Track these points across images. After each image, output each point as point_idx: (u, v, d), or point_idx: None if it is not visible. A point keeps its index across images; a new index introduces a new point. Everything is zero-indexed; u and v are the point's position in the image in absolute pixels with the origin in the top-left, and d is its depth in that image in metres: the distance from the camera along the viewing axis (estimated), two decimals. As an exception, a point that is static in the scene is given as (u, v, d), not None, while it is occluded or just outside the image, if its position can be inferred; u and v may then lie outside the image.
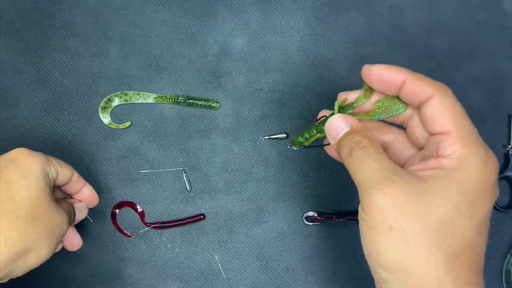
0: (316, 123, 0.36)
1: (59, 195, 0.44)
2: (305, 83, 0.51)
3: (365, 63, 0.51)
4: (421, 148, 0.33)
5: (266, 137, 0.50)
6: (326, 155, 0.51)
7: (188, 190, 0.49)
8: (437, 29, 0.53)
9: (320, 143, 0.38)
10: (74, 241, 0.44)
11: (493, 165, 0.29)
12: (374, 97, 0.33)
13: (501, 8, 0.54)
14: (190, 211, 0.50)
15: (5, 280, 0.35)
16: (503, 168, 0.52)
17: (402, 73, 0.30)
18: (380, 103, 0.33)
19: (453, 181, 0.28)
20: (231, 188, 0.50)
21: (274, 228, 0.50)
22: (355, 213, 0.50)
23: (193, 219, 0.49)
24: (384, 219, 0.27)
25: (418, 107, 0.31)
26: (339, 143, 0.32)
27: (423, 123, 0.31)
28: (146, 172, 0.49)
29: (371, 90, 0.33)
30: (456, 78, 0.53)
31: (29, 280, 0.48)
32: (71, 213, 0.41)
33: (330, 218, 0.50)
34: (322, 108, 0.51)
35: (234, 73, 0.51)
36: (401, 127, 0.35)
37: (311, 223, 0.50)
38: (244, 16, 0.51)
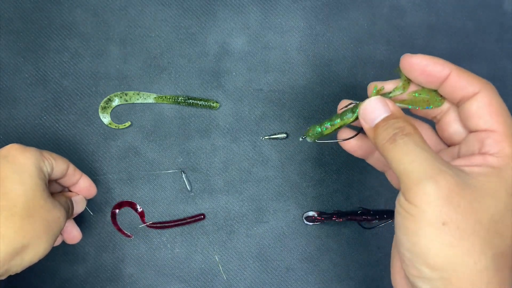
0: (341, 112, 0.33)
1: (55, 188, 0.44)
2: (305, 83, 0.51)
3: (365, 63, 0.52)
4: (450, 145, 0.32)
5: (266, 137, 0.50)
6: (327, 155, 0.51)
7: (188, 190, 0.49)
8: (437, 29, 0.53)
9: (333, 139, 0.35)
10: (73, 234, 0.44)
11: None
12: (411, 88, 0.31)
13: (501, 8, 0.54)
14: (190, 211, 0.50)
15: (3, 277, 0.35)
16: (503, 168, 0.52)
17: (448, 66, 0.29)
18: (416, 94, 0.31)
19: (502, 179, 0.27)
20: (231, 188, 0.50)
21: (274, 228, 0.50)
22: (355, 213, 0.50)
23: (193, 219, 0.49)
24: (438, 213, 0.25)
25: (458, 103, 0.30)
26: (376, 127, 0.29)
27: (464, 119, 0.29)
28: (146, 173, 0.49)
29: (409, 81, 0.31)
30: (456, 78, 0.53)
31: (29, 280, 0.48)
32: (68, 207, 0.41)
33: (330, 218, 0.50)
34: (322, 108, 0.51)
35: (234, 73, 0.51)
36: (427, 121, 0.33)
37: (311, 223, 0.50)
38: (244, 16, 0.51)
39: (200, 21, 0.51)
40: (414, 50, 0.52)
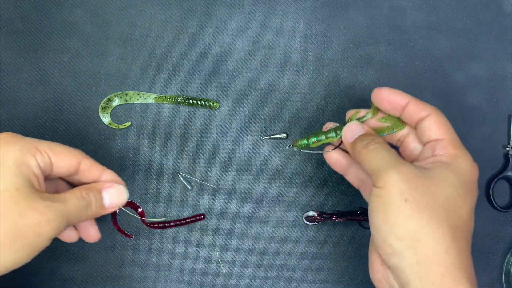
0: (326, 130, 0.42)
1: (62, 187, 0.39)
2: (305, 83, 0.51)
3: (365, 63, 0.52)
4: (412, 161, 0.39)
5: (266, 137, 0.50)
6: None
7: (189, 189, 0.49)
8: (437, 29, 0.53)
9: (318, 151, 0.44)
10: (90, 232, 0.40)
11: (476, 167, 0.36)
12: (379, 116, 0.40)
13: (501, 8, 0.54)
14: (190, 211, 0.50)
15: None
16: (503, 168, 0.52)
17: (406, 96, 0.38)
18: (383, 120, 0.40)
19: (451, 171, 0.34)
20: (231, 188, 0.50)
21: (274, 228, 0.50)
22: (355, 213, 0.50)
23: (193, 219, 0.49)
24: (401, 193, 0.32)
25: (416, 124, 0.38)
26: (354, 141, 0.38)
27: (420, 134, 0.38)
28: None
29: (377, 109, 0.40)
30: (456, 78, 0.53)
31: (29, 280, 0.48)
32: (87, 203, 0.35)
33: (330, 218, 0.50)
34: (322, 108, 0.51)
35: (234, 73, 0.51)
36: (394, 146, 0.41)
37: (311, 223, 0.50)
38: (244, 16, 0.51)
39: (200, 21, 0.51)
40: (414, 50, 0.53)
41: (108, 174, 0.39)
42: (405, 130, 0.40)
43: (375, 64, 0.52)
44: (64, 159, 0.35)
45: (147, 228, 0.49)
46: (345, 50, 0.52)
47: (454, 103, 0.53)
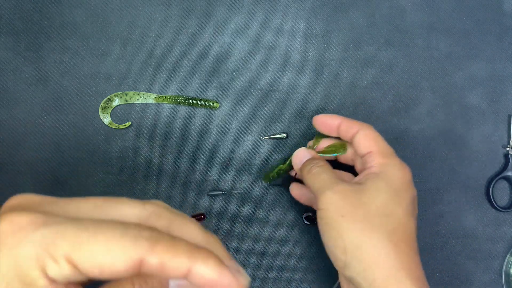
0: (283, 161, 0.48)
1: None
2: (305, 83, 0.51)
3: (365, 63, 0.52)
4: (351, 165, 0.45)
5: (266, 137, 0.50)
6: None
7: (238, 192, 0.50)
8: (437, 29, 0.53)
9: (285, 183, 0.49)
10: None
11: (407, 169, 0.39)
12: (326, 142, 0.45)
13: (501, 8, 0.54)
14: (190, 211, 0.50)
15: None
16: (503, 168, 0.52)
17: (338, 118, 0.43)
18: (331, 146, 0.45)
19: (381, 179, 0.38)
20: (231, 188, 0.50)
21: (274, 228, 0.50)
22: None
23: (194, 218, 0.49)
24: (337, 210, 0.36)
25: (351, 141, 0.42)
26: (302, 166, 0.42)
27: (355, 149, 0.42)
28: (214, 193, 0.49)
29: (321, 135, 0.45)
30: (456, 78, 0.53)
31: (29, 280, 0.48)
32: None
33: (330, 218, 0.50)
34: (322, 108, 0.51)
35: (234, 73, 0.51)
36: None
37: (311, 223, 0.50)
38: (244, 16, 0.51)
39: (200, 21, 0.51)
40: (414, 50, 0.53)
41: (198, 269, 0.21)
42: (350, 152, 0.44)
43: (375, 64, 0.52)
44: (102, 263, 0.20)
45: (147, 228, 0.49)
46: (345, 50, 0.52)
47: (454, 103, 0.53)
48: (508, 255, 0.52)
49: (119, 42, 0.49)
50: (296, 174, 0.47)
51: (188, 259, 0.21)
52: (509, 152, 0.53)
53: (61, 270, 0.20)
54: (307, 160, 0.43)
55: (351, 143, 0.43)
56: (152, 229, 0.21)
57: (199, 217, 0.49)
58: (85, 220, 0.21)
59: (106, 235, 0.20)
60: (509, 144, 0.53)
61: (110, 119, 0.49)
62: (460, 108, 0.53)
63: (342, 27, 0.52)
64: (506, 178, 0.53)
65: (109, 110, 0.49)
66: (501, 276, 0.52)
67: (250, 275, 0.50)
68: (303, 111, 0.51)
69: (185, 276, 0.21)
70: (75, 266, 0.20)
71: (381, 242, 0.35)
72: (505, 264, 0.52)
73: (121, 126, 0.49)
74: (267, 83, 0.51)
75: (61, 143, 0.49)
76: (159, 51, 0.50)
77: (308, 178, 0.41)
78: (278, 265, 0.50)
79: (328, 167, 0.41)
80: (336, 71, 0.52)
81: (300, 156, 0.44)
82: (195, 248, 0.22)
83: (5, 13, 0.49)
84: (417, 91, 0.52)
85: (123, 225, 0.21)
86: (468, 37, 0.54)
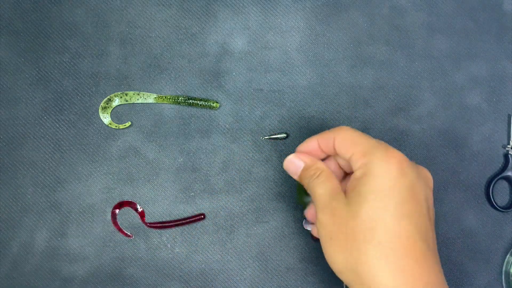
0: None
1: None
2: (305, 83, 0.51)
3: (365, 63, 0.52)
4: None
5: (266, 137, 0.50)
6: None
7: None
8: (437, 29, 0.53)
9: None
10: None
11: (392, 159, 0.34)
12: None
13: (501, 8, 0.54)
14: (190, 211, 0.50)
15: None
16: (502, 168, 0.52)
17: (312, 139, 0.39)
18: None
19: (363, 184, 0.33)
20: (231, 188, 0.50)
21: (274, 228, 0.50)
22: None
23: (193, 219, 0.49)
24: (327, 233, 0.35)
25: (335, 152, 0.38)
26: (301, 178, 0.39)
27: (343, 159, 0.39)
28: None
29: (303, 190, 0.42)
30: (456, 78, 0.53)
31: (29, 280, 0.48)
32: None
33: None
34: (322, 108, 0.51)
35: (234, 73, 0.51)
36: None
37: (310, 225, 0.50)
38: (244, 16, 0.51)
39: (200, 21, 0.51)
40: (414, 50, 0.53)
41: None
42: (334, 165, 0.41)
43: (375, 64, 0.52)
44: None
45: (147, 228, 0.49)
46: (345, 50, 0.52)
47: (454, 103, 0.53)
48: (508, 255, 0.52)
49: (119, 42, 0.49)
50: None
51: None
52: (509, 152, 0.53)
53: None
54: (303, 171, 0.39)
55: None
56: None
57: (199, 217, 0.49)
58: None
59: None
60: (509, 144, 0.53)
61: (110, 119, 0.49)
62: (460, 108, 0.53)
63: (342, 27, 0.52)
64: (506, 178, 0.53)
65: (109, 110, 0.49)
66: (501, 276, 0.52)
67: (250, 275, 0.50)
68: (303, 111, 0.51)
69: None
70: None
71: (371, 261, 0.32)
72: (505, 263, 0.52)
73: (121, 126, 0.49)
74: (267, 83, 0.51)
75: (61, 143, 0.49)
76: (159, 51, 0.50)
77: (310, 192, 0.38)
78: (278, 265, 0.50)
79: (325, 176, 0.37)
80: (336, 71, 0.52)
81: (292, 168, 0.40)
82: None
83: (5, 13, 0.49)
84: (417, 91, 0.52)
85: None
86: (468, 37, 0.54)
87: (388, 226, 0.32)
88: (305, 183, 0.38)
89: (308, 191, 0.38)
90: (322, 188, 0.36)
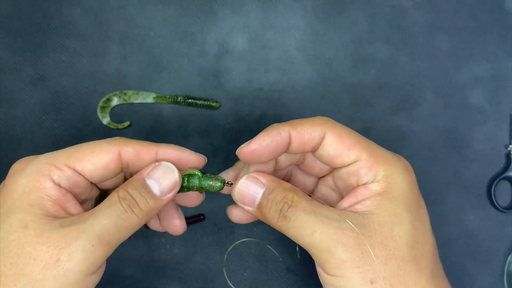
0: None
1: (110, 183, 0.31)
2: (306, 83, 0.51)
3: (365, 62, 0.51)
4: (320, 176, 0.33)
5: (266, 137, 0.50)
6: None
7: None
8: (438, 28, 0.53)
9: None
10: (173, 223, 0.33)
11: (411, 170, 0.28)
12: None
13: (502, 8, 0.54)
14: (190, 211, 0.49)
15: None
16: (504, 169, 0.52)
17: (278, 132, 0.29)
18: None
19: (393, 201, 0.27)
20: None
21: (274, 228, 0.50)
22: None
23: (193, 219, 0.49)
24: (363, 275, 0.25)
25: (313, 152, 0.30)
26: (260, 208, 0.29)
27: (328, 161, 0.29)
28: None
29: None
30: (458, 77, 0.53)
31: (27, 281, 0.47)
32: (126, 205, 0.27)
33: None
34: (322, 108, 0.51)
35: (234, 73, 0.50)
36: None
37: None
38: (244, 15, 0.51)
39: (199, 20, 0.50)
40: (416, 50, 0.52)
41: (163, 151, 0.29)
42: (296, 156, 0.32)
43: (376, 63, 0.52)
44: (92, 161, 0.27)
45: (146, 229, 0.49)
46: (345, 49, 0.52)
47: (456, 103, 0.53)
48: (510, 256, 0.52)
49: (118, 41, 0.49)
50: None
51: (154, 146, 0.29)
52: (511, 152, 0.52)
53: (65, 174, 0.27)
54: (264, 197, 0.28)
55: (313, 154, 0.30)
56: (123, 137, 0.29)
57: (198, 218, 0.49)
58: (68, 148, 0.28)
59: (91, 146, 0.28)
60: (511, 144, 0.53)
61: (109, 119, 0.49)
62: (462, 108, 0.53)
63: (343, 26, 0.52)
64: (508, 178, 0.52)
65: (108, 110, 0.49)
66: (503, 277, 0.52)
67: (250, 276, 0.49)
68: (303, 111, 0.51)
69: (156, 160, 0.29)
70: (73, 168, 0.27)
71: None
72: (507, 264, 0.52)
73: (120, 126, 0.49)
74: (267, 82, 0.51)
75: (59, 143, 0.48)
76: (158, 50, 0.50)
77: (285, 228, 0.28)
78: (279, 266, 0.50)
79: (304, 198, 0.27)
80: (337, 70, 0.51)
81: (249, 191, 0.29)
82: (159, 144, 0.29)
83: (4, 12, 0.48)
84: (419, 91, 0.52)
85: (98, 141, 0.28)
86: (469, 36, 0.53)
87: (433, 250, 0.27)
88: (274, 217, 0.28)
89: (285, 230, 0.28)
90: (317, 214, 0.27)
